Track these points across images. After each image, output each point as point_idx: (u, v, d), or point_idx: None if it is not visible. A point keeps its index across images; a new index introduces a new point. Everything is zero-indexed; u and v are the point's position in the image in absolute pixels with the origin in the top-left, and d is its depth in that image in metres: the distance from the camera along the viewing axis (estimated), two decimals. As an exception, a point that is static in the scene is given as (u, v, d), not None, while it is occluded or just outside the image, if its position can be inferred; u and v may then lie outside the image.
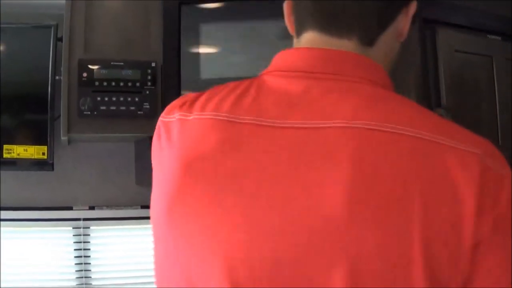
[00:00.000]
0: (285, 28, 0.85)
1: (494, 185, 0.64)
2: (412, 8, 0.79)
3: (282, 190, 0.67)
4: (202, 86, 1.57)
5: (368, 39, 0.76)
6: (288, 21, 0.84)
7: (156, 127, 0.84)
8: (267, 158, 0.69)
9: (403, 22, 0.79)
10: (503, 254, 0.64)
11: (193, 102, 0.80)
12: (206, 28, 1.57)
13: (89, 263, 1.90)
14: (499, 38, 2.03)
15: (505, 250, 0.64)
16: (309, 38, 0.78)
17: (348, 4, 0.74)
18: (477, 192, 0.63)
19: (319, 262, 0.63)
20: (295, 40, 0.82)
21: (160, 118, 0.84)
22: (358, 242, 0.62)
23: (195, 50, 1.56)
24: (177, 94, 1.54)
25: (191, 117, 0.78)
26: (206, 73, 1.58)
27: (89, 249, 1.91)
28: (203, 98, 0.80)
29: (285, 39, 0.85)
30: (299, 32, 0.80)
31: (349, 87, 0.72)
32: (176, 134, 0.79)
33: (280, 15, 0.85)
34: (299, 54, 0.78)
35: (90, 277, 1.90)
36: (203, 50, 1.58)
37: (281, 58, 0.80)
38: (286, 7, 0.83)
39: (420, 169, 0.64)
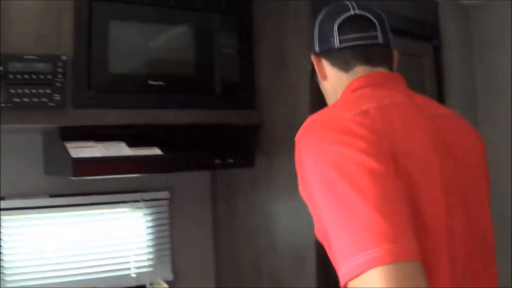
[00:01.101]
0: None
1: None
2: (395, 53, 1.23)
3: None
4: (111, 80, 1.69)
5: (391, 67, 1.19)
6: (319, 68, 1.21)
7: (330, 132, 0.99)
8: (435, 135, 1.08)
9: (395, 58, 1.23)
10: None
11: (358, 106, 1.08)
12: (115, 25, 1.67)
13: (1, 253, 1.94)
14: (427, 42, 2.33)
15: None
16: (360, 69, 1.16)
17: (376, 51, 1.16)
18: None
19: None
20: (344, 74, 1.17)
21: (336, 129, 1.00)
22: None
23: (104, 45, 1.66)
24: (87, 86, 1.64)
25: (384, 104, 1.05)
26: (114, 68, 1.69)
27: (0, 239, 1.94)
28: (363, 101, 1.07)
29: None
30: (348, 69, 1.17)
31: (413, 92, 1.17)
32: (385, 119, 1.01)
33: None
34: (377, 76, 1.16)
35: (2, 266, 1.93)
36: (112, 46, 1.68)
37: (364, 80, 1.14)
38: (315, 60, 1.21)
39: (476, 134, 1.19)
